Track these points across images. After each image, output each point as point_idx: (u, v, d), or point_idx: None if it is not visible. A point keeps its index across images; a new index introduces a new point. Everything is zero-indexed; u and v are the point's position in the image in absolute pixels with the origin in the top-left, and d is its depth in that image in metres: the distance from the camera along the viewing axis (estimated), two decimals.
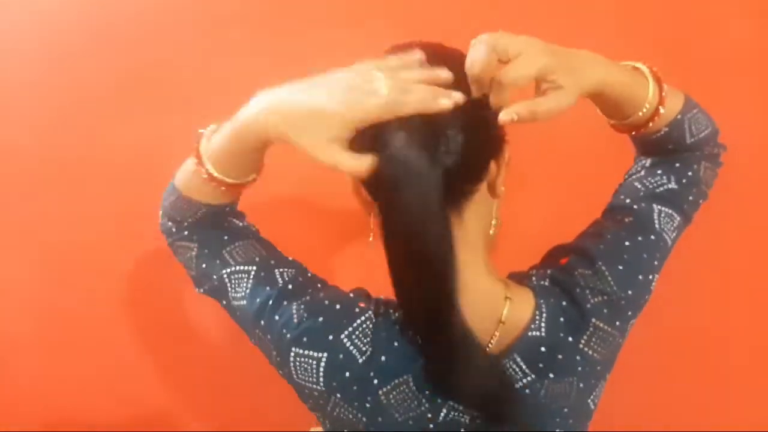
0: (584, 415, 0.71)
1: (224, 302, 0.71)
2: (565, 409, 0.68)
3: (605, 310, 0.67)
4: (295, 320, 0.66)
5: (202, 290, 0.73)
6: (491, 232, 0.69)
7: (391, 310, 0.68)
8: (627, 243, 0.69)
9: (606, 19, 1.09)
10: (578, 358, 0.67)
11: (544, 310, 0.67)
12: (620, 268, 0.68)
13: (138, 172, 1.13)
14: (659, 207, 0.71)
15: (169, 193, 0.72)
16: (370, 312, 0.67)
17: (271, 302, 0.67)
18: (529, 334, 0.66)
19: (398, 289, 0.61)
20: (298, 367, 0.66)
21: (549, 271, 0.70)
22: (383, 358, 0.65)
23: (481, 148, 0.62)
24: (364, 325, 0.66)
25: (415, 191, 0.56)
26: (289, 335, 0.66)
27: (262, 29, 1.13)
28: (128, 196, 1.17)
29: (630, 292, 0.68)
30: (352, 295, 0.70)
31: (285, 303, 0.67)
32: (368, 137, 0.57)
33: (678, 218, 0.72)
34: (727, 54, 1.10)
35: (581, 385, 0.67)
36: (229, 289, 0.69)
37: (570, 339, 0.66)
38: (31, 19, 1.12)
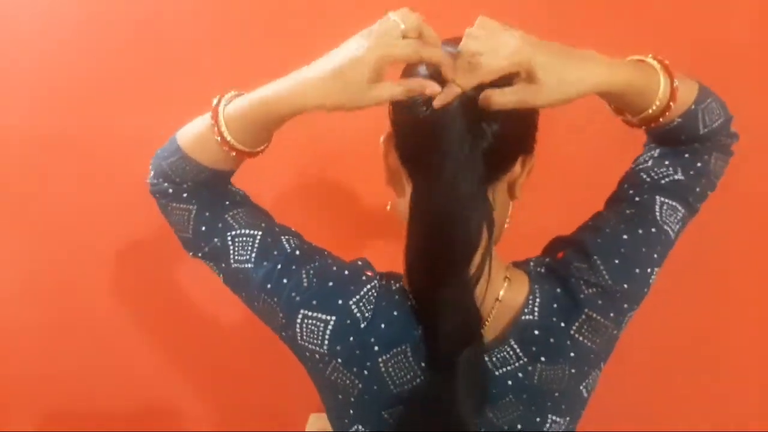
0: (577, 402, 0.72)
1: (222, 265, 0.71)
2: (557, 394, 0.69)
3: (600, 302, 0.68)
4: (305, 284, 0.68)
5: (199, 254, 0.73)
6: (502, 227, 0.71)
7: (392, 281, 0.70)
8: (625, 236, 0.70)
9: (605, 17, 1.11)
10: (569, 343, 0.68)
11: (537, 294, 0.69)
12: (616, 262, 0.69)
13: (138, 162, 1.13)
14: (662, 199, 0.71)
15: (168, 153, 0.70)
16: (375, 281, 0.69)
17: (279, 266, 0.68)
18: (523, 317, 0.68)
19: (412, 249, 0.65)
20: (304, 329, 0.68)
21: (546, 260, 0.73)
22: (383, 325, 0.67)
23: (514, 140, 0.64)
24: (370, 293, 0.68)
25: (457, 160, 0.60)
26: (298, 298, 0.67)
27: (260, 22, 1.14)
28: (130, 186, 1.18)
29: (626, 286, 0.69)
30: (359, 263, 0.72)
31: (294, 267, 0.69)
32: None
33: (682, 210, 0.72)
34: (727, 54, 1.10)
35: (573, 370, 0.69)
36: (231, 252, 0.70)
37: (562, 324, 0.68)
38: (32, 11, 1.13)
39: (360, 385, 0.68)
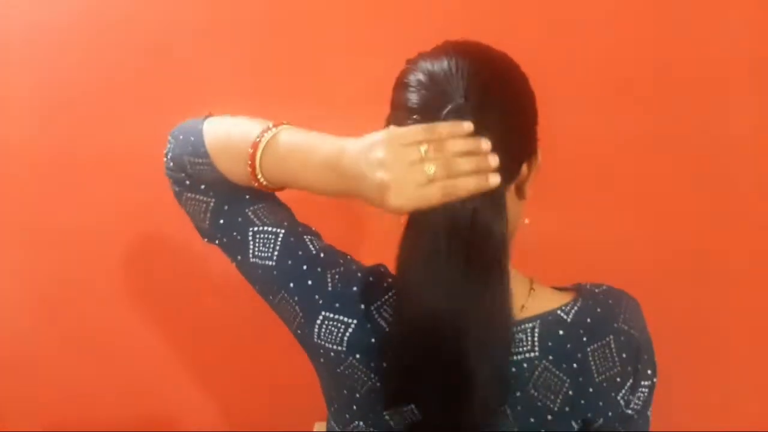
0: None
1: (239, 257, 0.72)
2: (549, 417, 0.68)
3: (622, 338, 0.70)
4: (329, 287, 0.69)
5: (215, 242, 0.73)
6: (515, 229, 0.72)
7: None
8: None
9: (605, 17, 1.12)
10: (580, 356, 0.68)
11: (579, 303, 0.70)
12: (648, 333, 0.72)
13: (141, 170, 1.12)
14: None
15: (194, 153, 0.69)
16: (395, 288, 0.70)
17: (305, 267, 0.70)
18: (558, 312, 0.69)
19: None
20: (323, 330, 0.69)
21: (606, 287, 0.73)
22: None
23: (515, 150, 0.64)
24: (391, 299, 0.69)
25: None
26: (321, 300, 0.69)
27: (261, 28, 1.15)
28: (136, 194, 1.18)
29: (640, 347, 0.71)
30: (382, 269, 0.72)
31: (319, 270, 0.70)
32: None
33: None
34: (727, 53, 1.11)
35: (570, 392, 0.68)
36: (251, 247, 0.70)
37: (584, 339, 0.69)
38: (30, 18, 1.14)
39: (378, 384, 0.68)
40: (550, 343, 0.68)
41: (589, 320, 0.69)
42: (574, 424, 0.70)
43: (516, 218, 0.71)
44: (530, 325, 0.68)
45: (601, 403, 0.70)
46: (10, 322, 1.28)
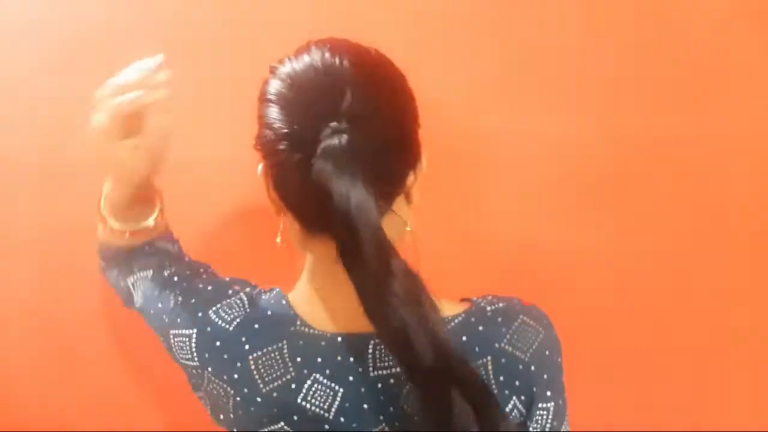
0: None
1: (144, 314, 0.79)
2: None
3: (503, 360, 0.65)
4: (172, 304, 0.71)
5: (134, 308, 0.80)
6: (405, 236, 0.68)
7: (270, 290, 0.71)
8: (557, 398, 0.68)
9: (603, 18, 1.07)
10: None
11: (459, 320, 0.66)
12: (545, 377, 0.66)
13: None
14: None
15: (102, 263, 0.84)
16: (241, 293, 0.70)
17: (156, 293, 0.74)
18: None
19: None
20: (176, 347, 0.71)
21: (502, 305, 0.68)
22: (256, 326, 0.67)
23: (401, 162, 0.63)
24: (233, 300, 0.69)
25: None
26: (167, 319, 0.71)
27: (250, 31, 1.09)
28: None
29: (532, 368, 0.65)
30: (228, 280, 0.74)
31: (167, 291, 0.73)
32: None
33: None
34: (727, 53, 1.09)
35: None
36: (135, 296, 0.78)
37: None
38: (29, 20, 1.10)
39: (231, 392, 0.66)
40: None
41: (465, 338, 0.65)
42: None
43: (403, 224, 0.67)
44: None
45: None
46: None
